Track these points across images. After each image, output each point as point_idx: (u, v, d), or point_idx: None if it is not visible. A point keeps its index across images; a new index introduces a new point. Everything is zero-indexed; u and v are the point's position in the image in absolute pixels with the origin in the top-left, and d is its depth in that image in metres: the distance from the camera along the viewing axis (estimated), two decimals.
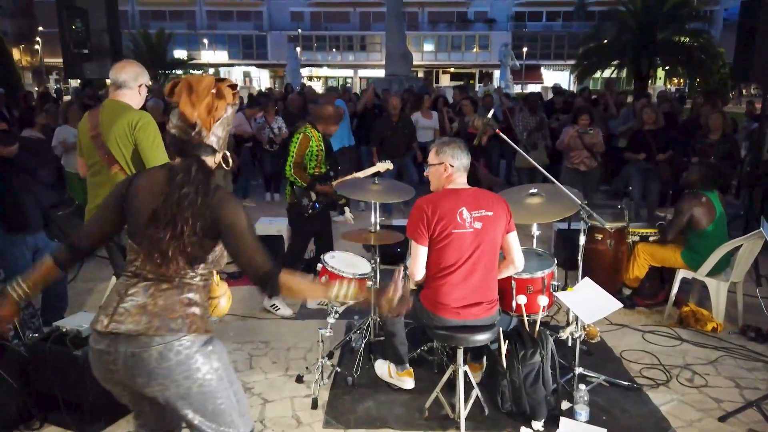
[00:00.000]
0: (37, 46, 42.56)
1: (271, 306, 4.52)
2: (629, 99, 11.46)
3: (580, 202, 3.33)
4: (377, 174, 4.14)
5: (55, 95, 16.72)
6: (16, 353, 3.07)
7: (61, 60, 6.17)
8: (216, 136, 1.86)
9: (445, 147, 2.95)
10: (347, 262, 3.52)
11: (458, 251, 2.81)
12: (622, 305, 3.27)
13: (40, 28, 40.38)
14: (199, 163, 1.83)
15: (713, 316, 4.32)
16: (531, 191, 3.66)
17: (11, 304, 1.93)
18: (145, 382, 1.79)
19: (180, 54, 38.47)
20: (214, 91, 1.82)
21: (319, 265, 3.44)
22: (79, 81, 12.41)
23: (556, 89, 13.11)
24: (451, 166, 2.92)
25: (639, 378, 3.58)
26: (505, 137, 3.58)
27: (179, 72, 39.03)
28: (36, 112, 6.20)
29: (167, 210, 1.78)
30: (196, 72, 42.98)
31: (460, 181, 2.95)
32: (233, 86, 1.89)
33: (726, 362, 3.80)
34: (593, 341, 4.03)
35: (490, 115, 3.53)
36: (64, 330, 3.00)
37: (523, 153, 3.66)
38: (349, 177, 4.29)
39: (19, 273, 1.91)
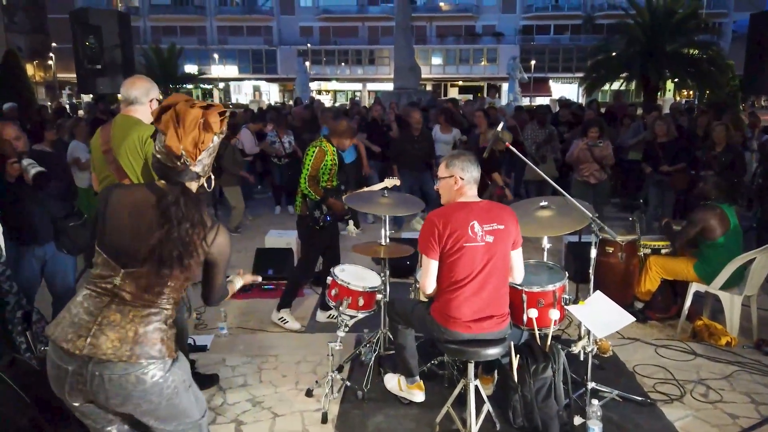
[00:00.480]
0: (50, 62, 43.22)
1: (279, 319, 4.51)
2: (639, 111, 11.44)
3: (591, 215, 3.31)
4: (389, 188, 4.16)
5: (69, 110, 16.93)
6: (28, 366, 3.08)
7: (73, 75, 6.26)
8: (202, 164, 1.88)
9: (454, 160, 2.95)
10: (357, 276, 3.52)
11: (470, 265, 2.80)
12: (634, 319, 3.24)
13: (54, 44, 41.02)
14: (186, 193, 1.84)
15: (727, 330, 4.27)
16: (541, 204, 3.64)
17: None
18: (119, 403, 1.83)
19: (191, 68, 38.88)
20: (201, 121, 1.82)
21: (329, 279, 3.44)
22: (91, 96, 12.58)
23: (563, 102, 13.11)
24: (461, 179, 2.91)
25: (652, 393, 3.53)
26: (514, 150, 3.58)
27: (190, 86, 39.50)
28: (47, 126, 6.26)
29: (172, 247, 1.78)
30: (206, 86, 43.52)
31: (471, 193, 2.95)
32: (222, 113, 1.89)
33: (741, 377, 3.75)
34: (605, 355, 3.99)
35: (500, 127, 3.53)
36: None
37: (533, 165, 3.65)
38: (359, 192, 4.35)
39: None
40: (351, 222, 4.63)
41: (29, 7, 47.41)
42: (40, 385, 3.01)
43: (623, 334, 4.38)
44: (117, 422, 1.97)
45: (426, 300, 3.03)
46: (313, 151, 4.28)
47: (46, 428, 3.02)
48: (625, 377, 3.74)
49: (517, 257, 3.01)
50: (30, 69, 32.05)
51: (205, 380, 3.58)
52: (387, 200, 3.76)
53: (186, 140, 1.81)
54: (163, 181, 1.88)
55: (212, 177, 1.98)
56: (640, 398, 3.41)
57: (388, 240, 3.79)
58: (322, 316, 4.68)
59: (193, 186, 1.91)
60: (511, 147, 3.51)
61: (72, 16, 5.64)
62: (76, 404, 1.88)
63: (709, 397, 3.51)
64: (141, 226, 1.81)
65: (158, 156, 1.85)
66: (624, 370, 3.85)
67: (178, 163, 1.83)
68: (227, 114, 1.91)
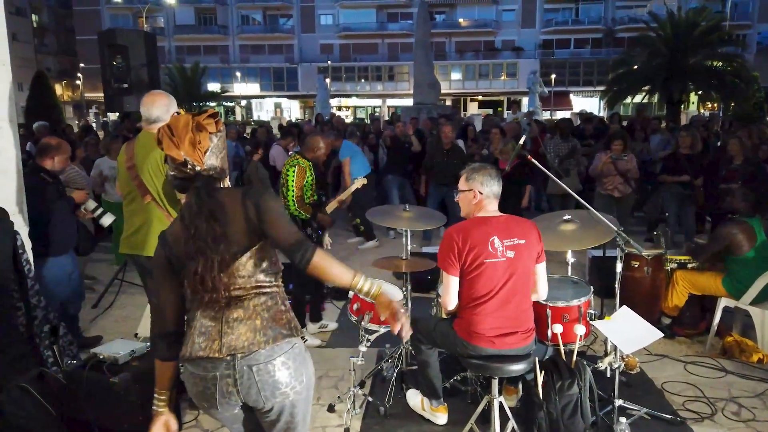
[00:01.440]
0: (78, 82, 44.40)
1: (320, 326, 4.53)
2: (663, 124, 11.32)
3: (616, 229, 3.27)
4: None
5: (102, 128, 17.29)
6: (55, 380, 3.12)
7: (100, 94, 6.41)
8: (211, 165, 1.91)
9: (474, 174, 2.92)
10: None
11: (491, 281, 2.77)
12: (662, 335, 3.18)
13: (81, 65, 42.18)
14: (198, 193, 1.88)
15: (759, 346, 4.15)
16: (565, 218, 3.61)
17: (165, 421, 1.99)
18: (269, 395, 1.86)
19: (214, 87, 39.60)
20: (193, 124, 1.86)
21: (351, 293, 3.44)
22: (117, 114, 12.84)
23: (584, 116, 13.00)
24: (480, 193, 2.88)
25: (682, 411, 3.44)
26: (536, 162, 3.55)
27: (213, 104, 40.14)
28: (76, 144, 6.40)
29: (192, 244, 1.84)
30: (228, 104, 44.20)
31: (491, 208, 2.91)
32: (213, 115, 1.93)
33: None
34: (632, 372, 3.90)
35: (522, 141, 3.51)
36: (101, 357, 3.05)
37: (555, 178, 3.61)
38: (334, 201, 4.50)
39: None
40: (326, 234, 4.68)
41: (59, 29, 48.89)
42: (66, 398, 3.05)
43: (651, 350, 4.28)
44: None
45: (447, 317, 3.00)
46: (293, 171, 4.25)
47: None
48: (653, 395, 3.65)
49: (541, 272, 2.96)
50: (59, 89, 32.93)
51: None
52: (408, 214, 3.75)
53: (183, 145, 1.85)
54: (184, 196, 1.95)
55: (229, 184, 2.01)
56: (669, 416, 3.32)
57: (409, 254, 3.78)
58: (313, 328, 4.68)
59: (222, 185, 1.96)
60: (533, 159, 3.48)
61: (100, 36, 5.79)
62: (227, 414, 1.94)
63: (741, 415, 3.41)
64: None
65: (172, 173, 1.92)
66: (652, 387, 3.76)
67: (187, 170, 1.87)
68: (219, 116, 1.96)
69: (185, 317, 1.98)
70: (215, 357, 1.83)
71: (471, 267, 2.77)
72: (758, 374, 3.89)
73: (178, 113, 1.92)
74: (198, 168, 1.88)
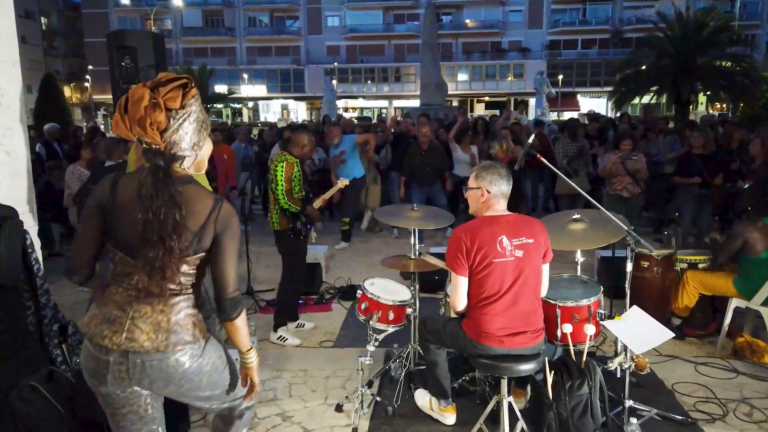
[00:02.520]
0: (86, 84, 44.65)
1: (278, 338, 4.50)
2: (670, 124, 11.25)
3: (626, 228, 3.24)
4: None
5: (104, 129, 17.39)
6: (64, 379, 3.12)
7: (108, 96, 6.43)
8: (175, 145, 1.82)
9: (484, 172, 2.90)
10: (387, 290, 3.50)
11: (499, 280, 2.75)
12: (673, 335, 3.14)
13: (90, 67, 42.42)
14: (155, 173, 1.80)
15: None
16: (574, 217, 3.58)
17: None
18: (162, 386, 1.91)
19: (221, 88, 39.76)
20: (146, 103, 1.76)
21: (359, 292, 3.43)
22: None
23: (591, 116, 12.93)
24: (488, 192, 2.86)
25: (693, 412, 3.41)
26: (545, 161, 3.53)
27: (220, 106, 40.25)
28: (83, 146, 6.42)
29: (152, 229, 1.77)
30: (235, 105, 44.29)
31: (499, 207, 2.89)
32: (183, 85, 1.81)
33: None
34: (643, 373, 3.85)
35: (530, 140, 3.49)
36: None
37: (566, 178, 3.59)
38: (319, 199, 4.58)
39: None
40: (313, 229, 4.74)
41: (67, 32, 49.23)
42: (76, 397, 3.05)
43: (661, 351, 4.25)
44: (157, 405, 2.02)
45: (455, 316, 2.99)
46: (281, 166, 4.32)
47: None
48: (664, 395, 3.62)
49: (544, 271, 2.94)
50: (67, 91, 33.14)
51: None
52: (416, 213, 3.74)
53: (134, 126, 1.77)
54: (146, 165, 1.85)
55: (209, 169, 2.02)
56: (680, 417, 3.29)
57: (417, 254, 3.76)
58: (290, 327, 4.70)
59: (183, 168, 1.89)
60: (543, 159, 3.46)
61: (109, 38, 5.79)
62: (118, 392, 1.93)
63: (753, 416, 3.37)
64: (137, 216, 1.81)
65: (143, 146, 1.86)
66: (663, 388, 3.73)
67: (144, 146, 1.81)
68: (189, 86, 1.84)
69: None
70: (113, 349, 1.84)
71: (479, 267, 2.76)
72: None
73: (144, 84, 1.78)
74: (157, 147, 1.81)
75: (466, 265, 2.79)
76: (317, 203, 4.58)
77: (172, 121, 1.79)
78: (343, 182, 4.78)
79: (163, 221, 1.76)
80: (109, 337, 1.84)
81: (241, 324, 1.97)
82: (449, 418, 3.27)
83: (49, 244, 7.02)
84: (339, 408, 3.46)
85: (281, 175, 4.29)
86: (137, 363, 1.84)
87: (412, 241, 3.72)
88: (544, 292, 3.01)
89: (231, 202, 8.03)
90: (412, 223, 3.70)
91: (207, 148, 1.97)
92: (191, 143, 1.87)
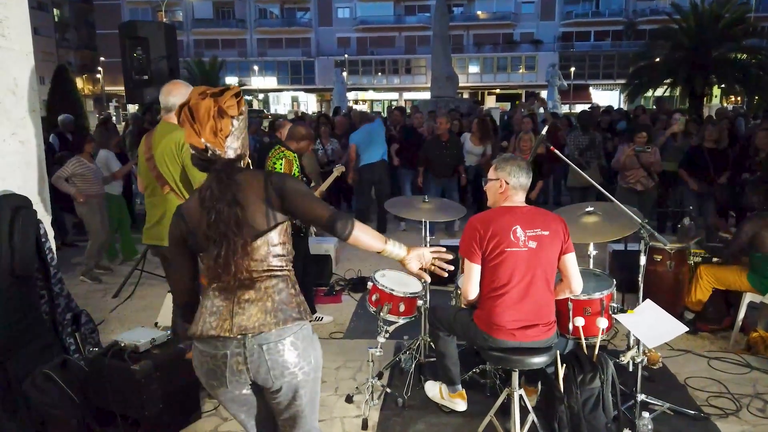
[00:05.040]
0: (98, 75, 44.89)
1: (315, 318, 4.52)
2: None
3: (640, 221, 3.21)
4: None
5: (123, 121, 17.44)
6: (77, 367, 3.15)
7: (120, 87, 6.44)
8: (232, 148, 1.91)
9: (504, 164, 2.89)
10: (398, 281, 3.49)
11: (511, 270, 2.74)
12: (687, 329, 3.11)
13: (102, 59, 42.63)
14: (219, 176, 1.88)
15: None
16: (587, 210, 3.55)
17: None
18: (279, 374, 1.88)
19: (232, 80, 39.81)
20: (215, 110, 1.85)
21: (370, 284, 3.42)
22: (137, 106, 12.94)
23: (603, 108, 12.78)
24: (506, 183, 2.85)
25: (706, 407, 3.38)
26: (559, 153, 3.50)
27: None
28: (87, 138, 6.44)
29: (215, 229, 1.84)
30: (246, 97, 44.27)
31: (517, 199, 2.88)
32: (237, 95, 1.92)
33: None
34: (655, 367, 3.85)
35: (544, 132, 3.46)
36: (122, 345, 3.07)
37: (579, 170, 3.56)
38: (317, 190, 4.54)
39: None
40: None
41: (79, 24, 49.43)
42: (89, 386, 3.09)
43: (673, 345, 4.22)
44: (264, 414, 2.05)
45: (468, 307, 2.98)
46: (280, 164, 4.15)
47: (96, 429, 3.09)
48: (676, 390, 3.59)
49: (571, 265, 2.87)
50: (80, 83, 33.24)
51: None
52: (428, 206, 3.72)
53: (205, 133, 1.85)
54: (205, 175, 1.93)
55: (249, 162, 2.02)
56: (693, 412, 3.27)
57: (428, 245, 3.74)
58: None
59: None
60: (556, 151, 3.43)
61: (121, 29, 5.81)
62: (237, 392, 1.94)
63: (766, 412, 3.33)
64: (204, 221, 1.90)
65: (192, 152, 1.92)
66: (675, 382, 3.70)
67: (209, 155, 1.88)
68: (242, 95, 1.94)
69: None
70: (226, 336, 1.85)
71: (492, 255, 2.74)
72: None
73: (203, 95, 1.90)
74: (219, 153, 1.88)
75: (479, 252, 2.78)
76: (315, 194, 4.54)
77: (233, 127, 1.90)
78: (339, 169, 4.74)
79: (226, 219, 1.83)
80: (220, 326, 1.86)
81: (359, 234, 1.92)
82: (460, 404, 3.27)
83: (62, 234, 7.09)
84: (349, 399, 3.47)
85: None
86: (254, 349, 1.85)
87: (423, 234, 3.71)
88: (577, 287, 2.90)
89: None
90: (424, 215, 3.68)
91: (248, 149, 2.05)
92: (243, 146, 1.97)
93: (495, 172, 2.90)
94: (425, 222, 3.71)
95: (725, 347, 4.26)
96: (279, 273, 1.93)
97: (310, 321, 1.99)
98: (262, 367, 1.87)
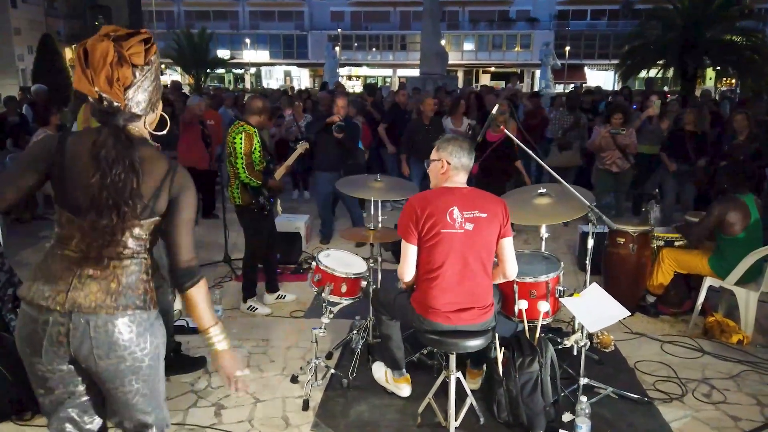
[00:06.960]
0: None
1: (248, 308, 4.47)
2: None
3: (588, 203, 3.15)
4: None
5: None
6: (14, 344, 3.09)
7: None
8: (135, 102, 1.72)
9: (445, 144, 2.82)
10: (341, 261, 3.42)
11: (446, 252, 2.67)
12: (629, 313, 3.07)
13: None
14: (117, 135, 1.69)
15: (741, 327, 4.05)
16: (540, 191, 3.49)
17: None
18: (103, 354, 1.72)
19: (223, 53, 39.20)
20: (112, 58, 1.64)
21: (313, 263, 3.37)
22: None
23: (587, 89, 12.67)
24: (448, 164, 2.78)
25: (651, 391, 3.36)
26: (514, 138, 3.43)
27: (221, 71, 39.70)
28: (52, 111, 6.27)
29: (108, 194, 1.67)
30: (237, 71, 43.73)
31: (458, 179, 2.80)
32: (147, 41, 1.70)
33: (749, 377, 3.55)
34: (607, 350, 3.81)
35: (494, 110, 3.36)
36: None
37: (530, 152, 3.47)
38: (282, 167, 4.48)
39: None
40: (278, 201, 4.63)
41: None
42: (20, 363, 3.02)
43: (631, 328, 4.21)
44: (82, 397, 1.86)
45: (405, 289, 2.93)
46: (240, 138, 4.09)
47: (30, 407, 3.04)
48: (624, 374, 3.58)
49: (507, 249, 2.80)
50: (69, 53, 32.60)
51: (191, 362, 3.56)
52: (378, 184, 3.65)
53: (98, 81, 1.65)
54: (101, 127, 1.72)
55: (167, 119, 1.86)
56: (636, 396, 3.25)
57: (379, 225, 3.69)
58: (270, 299, 4.66)
59: (137, 128, 1.77)
60: (508, 133, 3.35)
61: None
62: (51, 366, 1.76)
63: (711, 397, 3.32)
64: (89, 176, 1.70)
65: (90, 100, 1.74)
66: (624, 366, 3.68)
67: (104, 105, 1.69)
68: (152, 41, 1.74)
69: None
70: (54, 309, 1.71)
71: (428, 236, 2.67)
72: (736, 356, 3.80)
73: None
74: (117, 105, 1.68)
75: (415, 233, 2.70)
76: (279, 172, 4.45)
77: (136, 78, 1.69)
78: (302, 146, 4.65)
79: (121, 188, 1.66)
80: (53, 297, 1.70)
81: (196, 296, 1.79)
82: (404, 389, 3.24)
83: (31, 207, 6.99)
84: (294, 379, 3.43)
85: (240, 148, 4.09)
86: (80, 323, 1.69)
87: (372, 212, 3.64)
88: (511, 272, 2.85)
89: (219, 170, 7.74)
90: (374, 194, 3.61)
91: (160, 107, 1.86)
92: (150, 102, 1.77)
93: (437, 153, 2.82)
94: (374, 201, 3.64)
95: (683, 331, 4.24)
96: (134, 256, 1.78)
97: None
98: (84, 343, 1.71)
